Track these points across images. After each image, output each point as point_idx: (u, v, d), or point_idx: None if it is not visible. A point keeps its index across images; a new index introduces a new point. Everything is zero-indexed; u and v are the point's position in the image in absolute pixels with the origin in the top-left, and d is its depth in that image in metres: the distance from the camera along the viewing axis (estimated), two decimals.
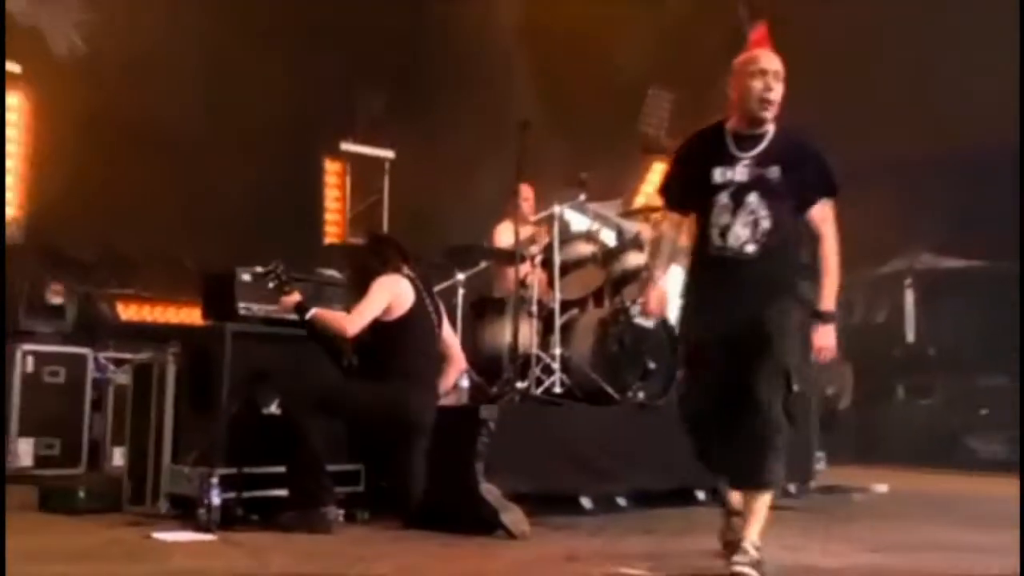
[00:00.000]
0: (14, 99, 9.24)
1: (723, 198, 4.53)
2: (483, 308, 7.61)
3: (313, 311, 5.80)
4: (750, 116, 4.60)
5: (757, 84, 4.53)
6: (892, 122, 11.33)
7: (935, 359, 12.36)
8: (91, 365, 8.27)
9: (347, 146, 10.75)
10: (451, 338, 6.37)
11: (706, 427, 4.69)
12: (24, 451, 7.94)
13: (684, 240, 4.88)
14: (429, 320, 6.06)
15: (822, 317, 4.53)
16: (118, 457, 7.44)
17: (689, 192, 4.74)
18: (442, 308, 6.31)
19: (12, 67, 9.14)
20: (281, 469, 5.77)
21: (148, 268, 9.07)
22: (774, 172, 4.52)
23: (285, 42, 10.03)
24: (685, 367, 4.85)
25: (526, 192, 7.67)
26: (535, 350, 6.96)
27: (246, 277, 6.16)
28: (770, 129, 4.61)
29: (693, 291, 4.80)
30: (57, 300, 8.53)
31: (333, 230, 10.73)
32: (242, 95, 9.77)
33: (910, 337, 12.71)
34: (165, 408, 6.12)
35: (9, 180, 9.10)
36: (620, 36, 11.37)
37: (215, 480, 5.54)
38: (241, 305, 6.11)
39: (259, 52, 9.72)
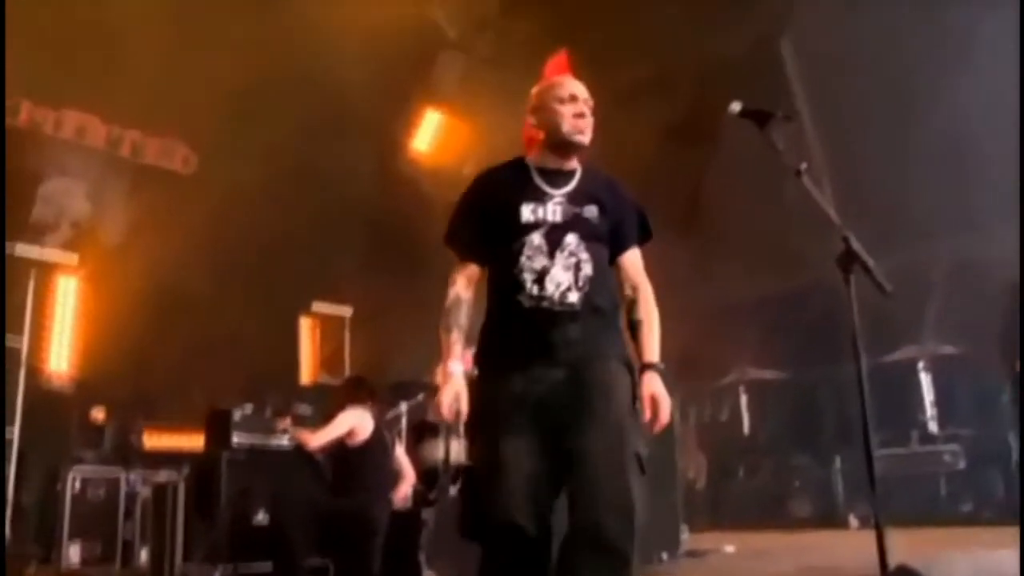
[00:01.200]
0: (72, 282, 9.19)
1: (536, 239, 3.01)
2: (422, 430, 7.42)
3: (290, 430, 5.82)
4: (562, 147, 3.15)
5: (567, 109, 3.14)
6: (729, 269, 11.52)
7: (763, 446, 12.40)
8: (123, 483, 7.93)
9: (316, 306, 10.65)
10: (403, 458, 6.21)
11: (523, 547, 2.81)
12: (73, 552, 7.58)
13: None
14: (384, 445, 5.91)
15: (652, 367, 3.01)
16: (144, 556, 7.14)
17: (489, 236, 3.09)
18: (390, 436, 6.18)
19: (70, 258, 9.10)
20: (267, 565, 5.54)
21: (167, 403, 8.78)
22: (591, 211, 3.09)
23: (270, 226, 9.94)
24: (486, 459, 2.90)
25: None
26: (465, 462, 6.78)
27: (238, 416, 5.98)
28: (578, 166, 3.20)
29: (494, 356, 3.04)
30: (99, 418, 8.38)
31: (307, 372, 10.53)
32: (240, 267, 9.67)
33: (746, 430, 12.74)
34: (177, 519, 5.89)
35: (64, 343, 9.02)
36: None
37: (217, 575, 5.32)
38: (235, 437, 5.91)
39: (249, 239, 9.71)
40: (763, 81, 9.50)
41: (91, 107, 9.89)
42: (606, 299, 3.07)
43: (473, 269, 3.16)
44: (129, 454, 8.10)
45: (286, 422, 5.79)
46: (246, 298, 9.58)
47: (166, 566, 5.87)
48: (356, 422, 5.71)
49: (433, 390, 7.10)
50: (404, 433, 6.89)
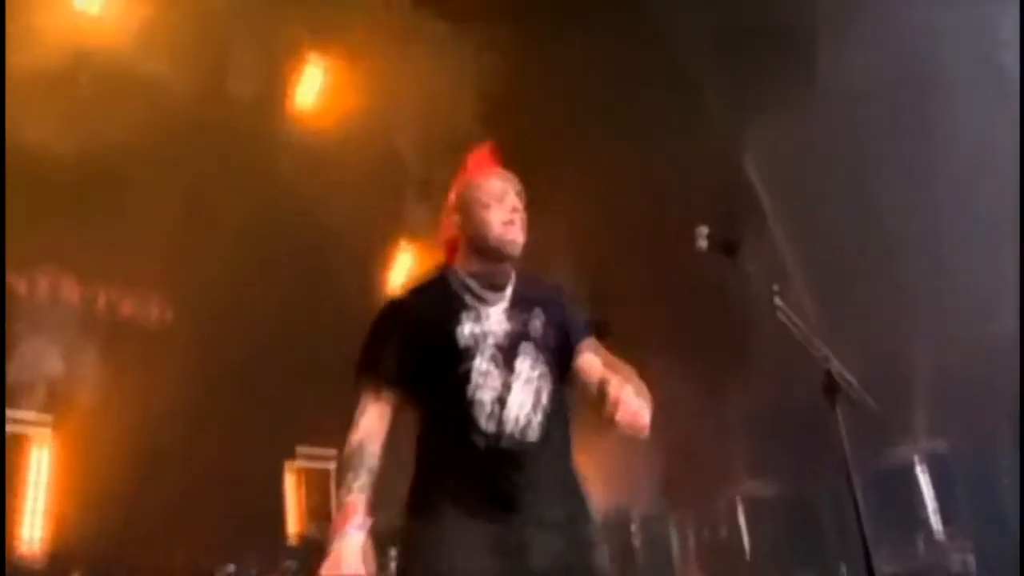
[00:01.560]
0: (45, 452, 8.96)
1: (481, 364, 2.51)
2: None
3: None
4: (492, 254, 2.66)
5: (495, 215, 2.67)
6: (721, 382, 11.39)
7: (766, 562, 12.10)
8: None
9: (301, 451, 10.38)
10: None
11: None
12: None
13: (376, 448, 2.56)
14: None
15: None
16: None
17: (418, 366, 2.58)
18: None
19: (43, 423, 8.92)
20: None
21: (149, 565, 8.40)
22: (537, 321, 2.63)
23: (249, 374, 9.79)
24: None
25: None
26: None
27: None
28: (511, 269, 2.71)
29: (434, 523, 2.48)
30: None
31: (293, 524, 10.13)
32: (219, 418, 9.49)
33: (747, 547, 12.44)
34: None
35: (38, 515, 8.69)
36: None
37: None
38: None
39: (227, 389, 9.54)
40: (729, 201, 9.59)
41: (64, 265, 9.83)
42: (564, 431, 2.63)
43: (387, 403, 2.58)
44: None
45: None
46: (226, 450, 9.32)
47: None
48: None
49: None
50: None
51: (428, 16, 9.68)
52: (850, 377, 2.92)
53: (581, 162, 9.97)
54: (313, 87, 10.25)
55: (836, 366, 2.93)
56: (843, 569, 10.88)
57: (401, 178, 11.11)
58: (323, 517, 9.76)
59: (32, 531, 8.54)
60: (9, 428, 8.45)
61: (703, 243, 3.11)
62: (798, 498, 12.00)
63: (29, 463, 8.69)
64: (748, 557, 12.28)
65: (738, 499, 12.47)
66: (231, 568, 5.71)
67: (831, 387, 2.91)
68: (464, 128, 10.59)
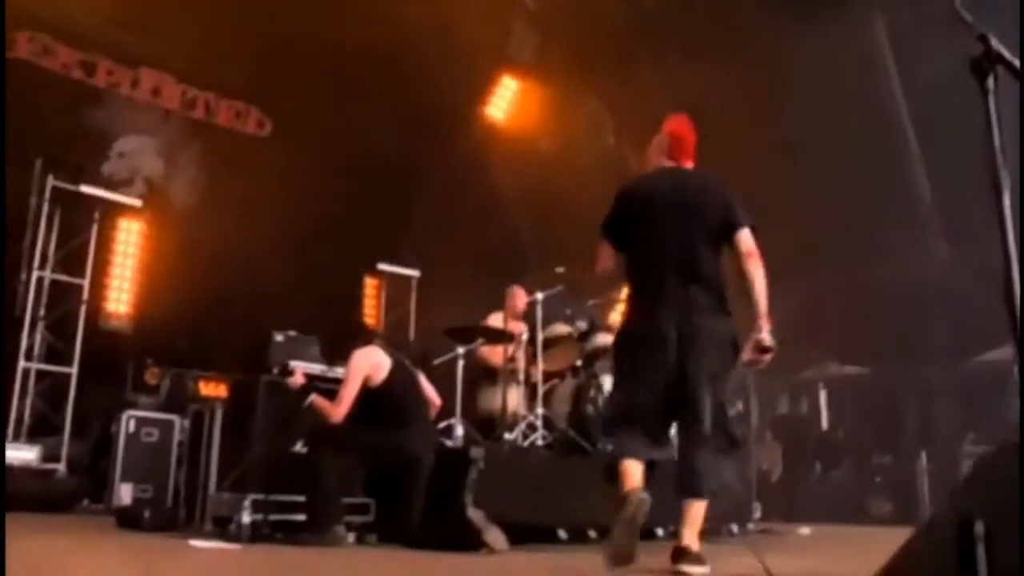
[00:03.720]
0: (135, 225, 8.92)
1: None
2: (479, 376, 6.81)
3: (311, 397, 4.99)
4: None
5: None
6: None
7: (843, 442, 11.53)
8: (177, 428, 7.50)
9: (382, 266, 10.10)
10: (426, 384, 5.53)
11: None
12: (125, 493, 7.19)
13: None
14: (410, 374, 5.30)
15: None
16: None
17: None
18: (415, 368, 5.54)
19: (134, 201, 8.85)
20: (302, 497, 4.93)
21: (223, 356, 8.34)
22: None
23: (339, 193, 9.55)
24: None
25: (519, 292, 6.99)
26: (521, 411, 6.15)
27: (279, 338, 5.43)
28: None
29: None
30: (153, 381, 8.01)
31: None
32: (306, 230, 9.29)
33: (824, 425, 11.88)
34: (213, 446, 5.34)
35: (125, 285, 8.75)
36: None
37: (247, 503, 4.77)
38: (274, 361, 5.35)
39: (318, 204, 9.33)
40: None
41: (167, 66, 9.64)
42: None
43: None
44: (183, 400, 7.63)
45: (297, 376, 5.08)
46: (310, 257, 9.19)
47: (199, 492, 5.33)
48: (369, 364, 5.07)
49: (491, 334, 6.56)
50: (460, 378, 6.26)
51: None
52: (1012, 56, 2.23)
53: None
54: None
55: (994, 39, 2.22)
56: (923, 457, 10.30)
57: (507, 8, 10.51)
58: (402, 331, 9.59)
59: (119, 304, 8.54)
60: (100, 197, 8.33)
61: None
62: (881, 382, 11.35)
63: (119, 235, 8.64)
64: (825, 435, 11.70)
65: (821, 379, 11.86)
66: (292, 333, 5.45)
67: (987, 57, 2.20)
68: None
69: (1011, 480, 1.17)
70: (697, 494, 3.53)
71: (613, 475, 3.59)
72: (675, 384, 3.56)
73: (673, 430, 3.84)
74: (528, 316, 6.77)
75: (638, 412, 3.62)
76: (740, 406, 4.92)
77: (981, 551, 1.10)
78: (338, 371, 5.31)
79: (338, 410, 4.93)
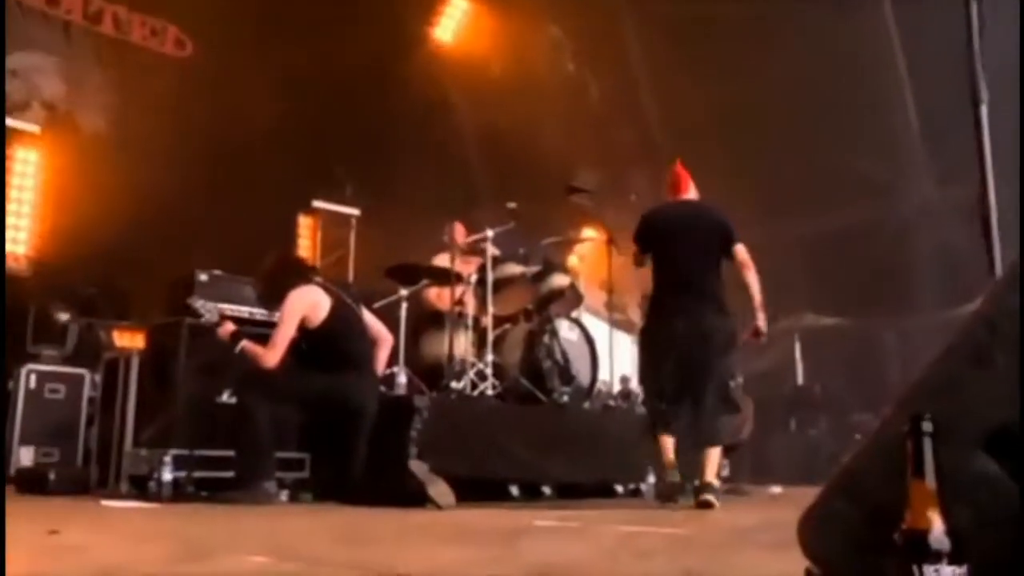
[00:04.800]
0: (32, 155, 8.71)
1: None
2: (424, 321, 6.88)
3: (242, 344, 4.98)
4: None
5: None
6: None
7: (819, 398, 11.78)
8: (88, 384, 7.44)
9: (318, 203, 10.07)
10: (373, 321, 5.55)
11: None
12: (25, 456, 7.00)
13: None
14: (353, 313, 5.30)
15: None
16: None
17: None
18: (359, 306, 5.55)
19: (31, 127, 8.70)
20: (230, 452, 4.98)
21: (141, 302, 8.28)
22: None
23: (269, 120, 9.44)
24: None
25: (458, 228, 7.05)
26: (470, 358, 6.24)
27: (203, 277, 5.43)
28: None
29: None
30: (62, 319, 7.88)
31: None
32: (233, 161, 9.21)
33: (799, 380, 12.14)
34: (129, 397, 5.36)
35: (22, 223, 8.54)
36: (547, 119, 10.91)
37: (168, 459, 4.83)
38: (199, 302, 5.32)
39: (245, 132, 9.23)
40: None
41: None
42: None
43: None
44: (94, 351, 7.57)
45: (226, 326, 5.06)
46: (238, 194, 9.07)
47: (113, 449, 5.36)
48: (306, 304, 5.10)
49: (436, 274, 6.60)
50: (403, 322, 6.32)
51: None
52: None
53: None
54: None
55: None
56: None
57: None
58: (341, 272, 9.57)
59: (15, 243, 8.41)
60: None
61: None
62: (859, 332, 11.60)
63: (14, 166, 8.47)
64: (799, 390, 11.98)
65: (796, 330, 12.08)
66: (217, 272, 5.46)
67: None
68: None
69: (956, 383, 1.30)
70: (712, 443, 5.16)
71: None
72: (690, 365, 5.20)
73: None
74: (475, 255, 6.84)
75: (664, 389, 5.28)
76: (740, 379, 6.30)
77: (928, 443, 1.22)
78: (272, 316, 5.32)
79: (271, 355, 4.96)
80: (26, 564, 2.17)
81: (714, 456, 5.14)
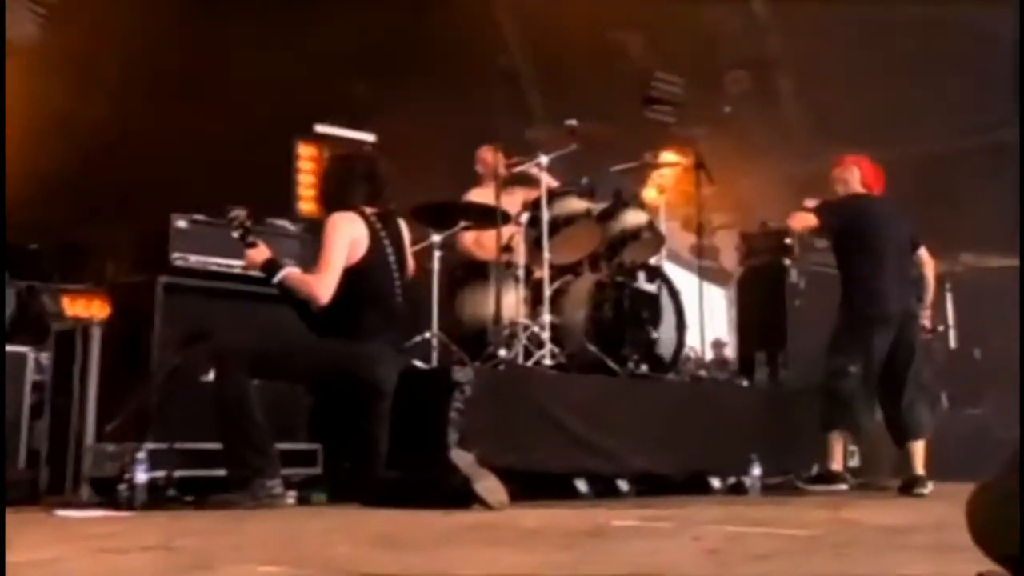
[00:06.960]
0: None
1: None
2: (464, 273, 6.93)
3: (284, 272, 5.06)
4: None
5: None
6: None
7: (980, 365, 11.69)
8: (31, 365, 7.57)
9: (322, 127, 10.13)
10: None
11: None
12: None
13: None
14: (387, 269, 5.28)
15: None
16: None
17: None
18: (410, 260, 5.58)
19: None
20: (221, 445, 5.05)
21: (97, 259, 8.42)
22: None
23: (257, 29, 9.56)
24: None
25: (486, 154, 7.18)
26: (522, 319, 6.28)
27: (182, 224, 5.49)
28: None
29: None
30: None
31: (308, 207, 9.89)
32: (217, 81, 9.50)
33: (952, 343, 12.05)
34: (89, 382, 5.44)
35: None
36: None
37: (142, 455, 4.90)
38: (176, 255, 5.41)
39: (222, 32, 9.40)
40: None
41: None
42: None
43: None
44: (41, 324, 7.72)
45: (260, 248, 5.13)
46: (221, 121, 9.18)
47: (69, 446, 5.44)
48: (353, 229, 5.15)
49: (479, 214, 6.61)
50: (436, 276, 6.37)
51: None
52: None
53: None
54: None
55: None
56: None
57: None
58: None
59: None
60: None
61: None
62: None
63: None
64: (951, 354, 11.95)
65: (948, 277, 12.02)
66: (198, 217, 5.52)
67: None
68: None
69: None
70: (917, 436, 6.78)
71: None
72: (899, 344, 6.83)
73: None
74: (524, 188, 6.88)
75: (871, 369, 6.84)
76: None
77: None
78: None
79: (324, 285, 4.98)
80: None
81: (919, 449, 6.69)
